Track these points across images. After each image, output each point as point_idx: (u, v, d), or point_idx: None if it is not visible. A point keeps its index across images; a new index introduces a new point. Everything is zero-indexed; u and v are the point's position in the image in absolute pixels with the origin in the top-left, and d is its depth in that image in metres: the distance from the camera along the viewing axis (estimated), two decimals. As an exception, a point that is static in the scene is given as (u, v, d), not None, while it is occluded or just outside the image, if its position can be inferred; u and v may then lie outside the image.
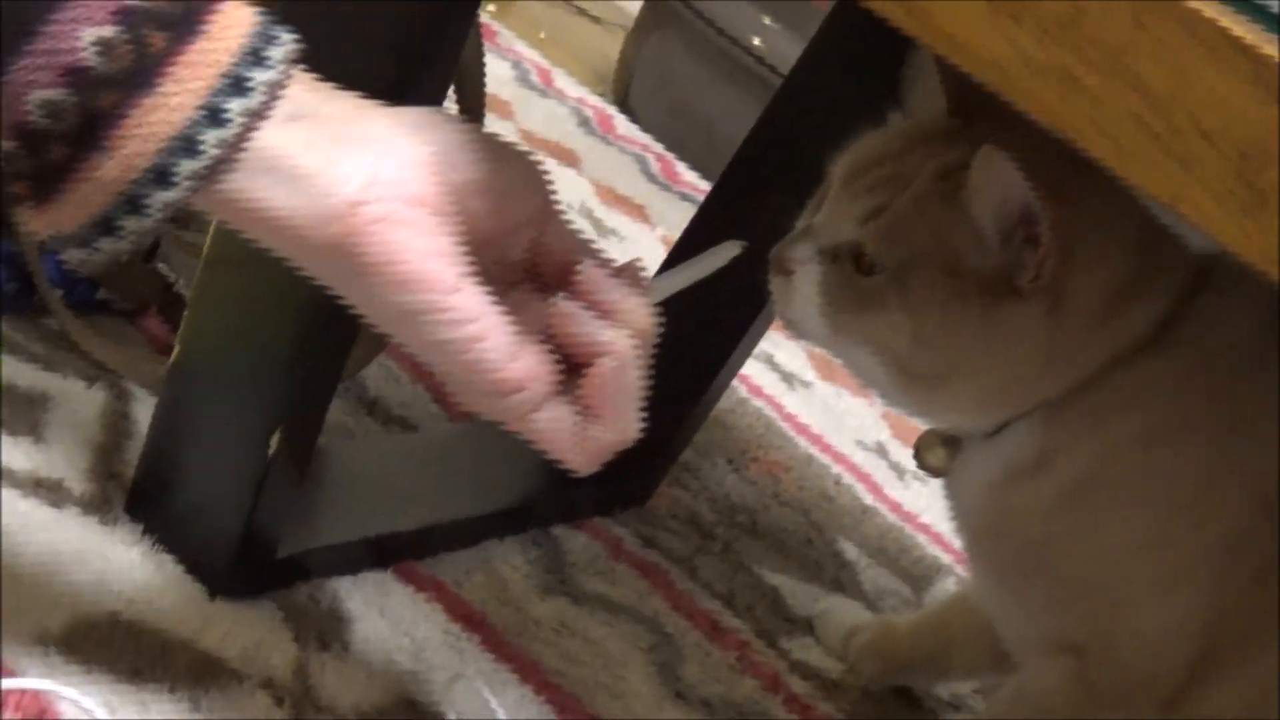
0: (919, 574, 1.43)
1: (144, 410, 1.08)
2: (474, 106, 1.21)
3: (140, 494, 1.00)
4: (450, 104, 1.18)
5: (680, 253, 1.33)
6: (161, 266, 1.20)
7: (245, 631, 0.96)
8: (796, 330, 0.98)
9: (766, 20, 2.12)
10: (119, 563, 0.96)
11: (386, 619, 1.04)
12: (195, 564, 0.98)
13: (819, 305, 0.95)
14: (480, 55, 1.20)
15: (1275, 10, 0.57)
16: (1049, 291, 0.90)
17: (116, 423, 1.07)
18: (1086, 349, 0.93)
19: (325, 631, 1.00)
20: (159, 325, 1.19)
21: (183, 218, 1.28)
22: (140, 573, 0.96)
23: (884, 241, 0.92)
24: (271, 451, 0.93)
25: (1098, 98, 0.60)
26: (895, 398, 0.98)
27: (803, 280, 0.95)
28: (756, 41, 2.13)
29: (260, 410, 0.94)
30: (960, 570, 1.43)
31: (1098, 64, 0.60)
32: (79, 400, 1.07)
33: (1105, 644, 0.95)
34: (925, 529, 1.51)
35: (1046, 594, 0.99)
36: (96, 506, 0.99)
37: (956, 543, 1.08)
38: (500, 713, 0.98)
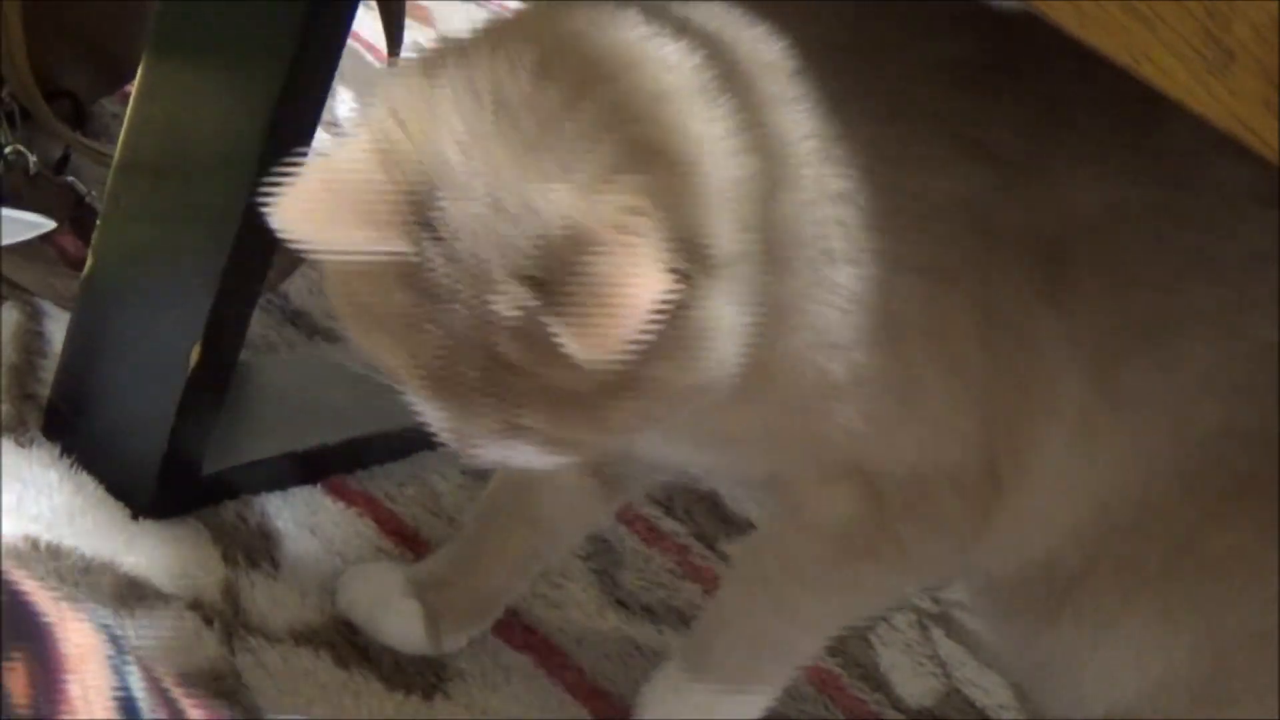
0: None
1: (58, 328, 1.04)
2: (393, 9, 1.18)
3: (57, 414, 0.97)
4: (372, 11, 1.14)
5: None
6: (72, 179, 1.16)
7: (171, 552, 0.93)
8: None
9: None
10: (37, 485, 0.93)
11: (317, 536, 1.01)
12: (117, 484, 0.95)
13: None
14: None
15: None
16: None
17: (30, 342, 1.04)
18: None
19: (254, 550, 0.97)
20: (71, 240, 1.15)
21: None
22: (59, 494, 0.93)
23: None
24: (191, 367, 0.90)
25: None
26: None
27: None
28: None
29: (179, 324, 0.91)
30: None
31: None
32: (-10, 320, 1.03)
33: (878, 463, 0.84)
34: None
35: (801, 453, 0.86)
36: (12, 428, 0.96)
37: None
38: (437, 627, 0.96)
